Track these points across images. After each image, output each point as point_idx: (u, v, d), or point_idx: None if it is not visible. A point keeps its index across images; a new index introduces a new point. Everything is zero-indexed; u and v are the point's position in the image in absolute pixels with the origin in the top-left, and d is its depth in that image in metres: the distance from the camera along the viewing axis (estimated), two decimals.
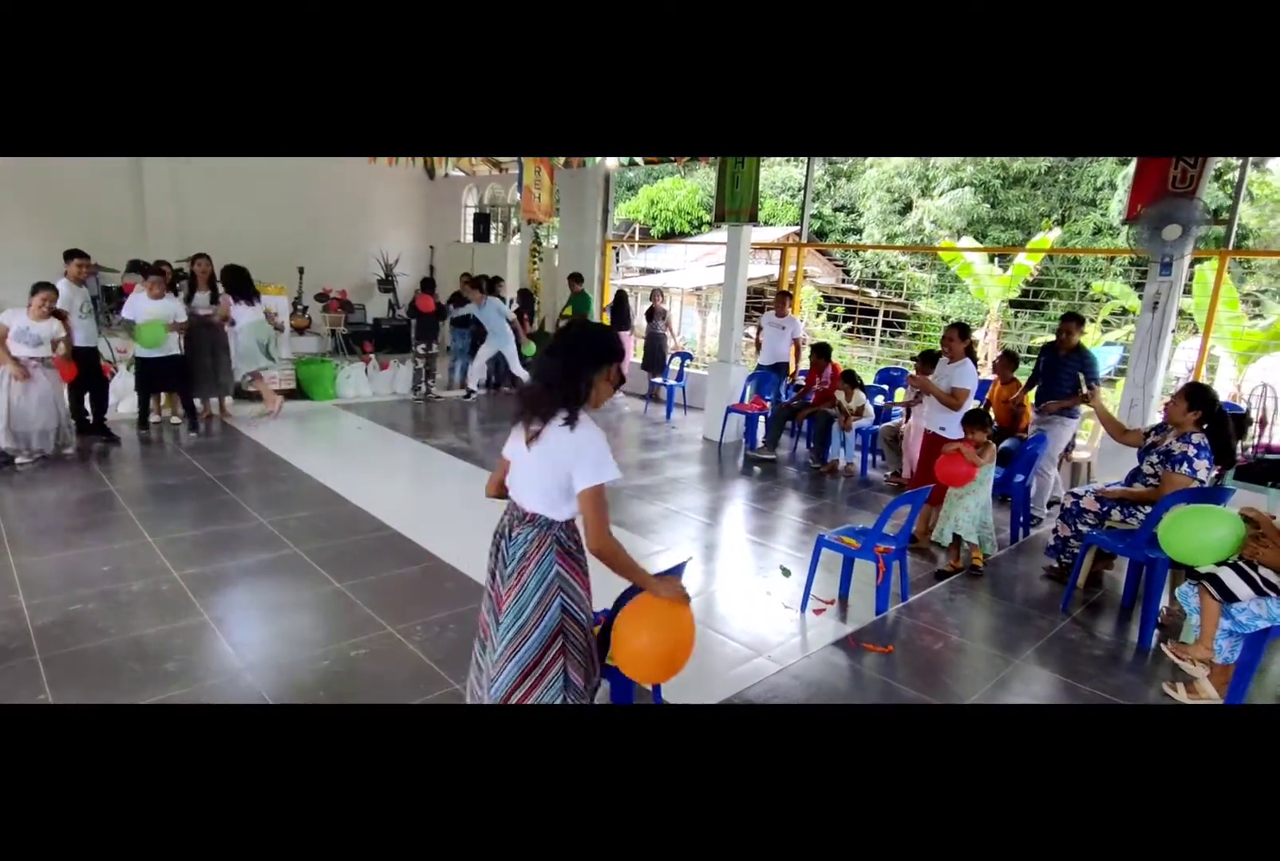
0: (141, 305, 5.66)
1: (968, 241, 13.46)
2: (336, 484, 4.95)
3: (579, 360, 1.84)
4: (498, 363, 8.58)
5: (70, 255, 5.47)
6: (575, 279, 8.70)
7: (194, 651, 2.86)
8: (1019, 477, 4.62)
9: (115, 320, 6.98)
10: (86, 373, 5.46)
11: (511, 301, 8.88)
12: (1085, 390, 4.11)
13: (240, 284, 6.36)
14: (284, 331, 7.44)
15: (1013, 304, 12.08)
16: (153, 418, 6.22)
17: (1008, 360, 5.36)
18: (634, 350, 9.03)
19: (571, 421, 1.82)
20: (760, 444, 6.47)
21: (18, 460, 4.94)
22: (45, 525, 4.06)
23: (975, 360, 4.26)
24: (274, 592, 3.42)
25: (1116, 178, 14.18)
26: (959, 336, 4.20)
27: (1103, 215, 14.86)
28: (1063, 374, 4.78)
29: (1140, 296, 5.61)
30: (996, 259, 12.15)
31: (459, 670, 2.82)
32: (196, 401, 6.27)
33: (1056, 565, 3.91)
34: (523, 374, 7.87)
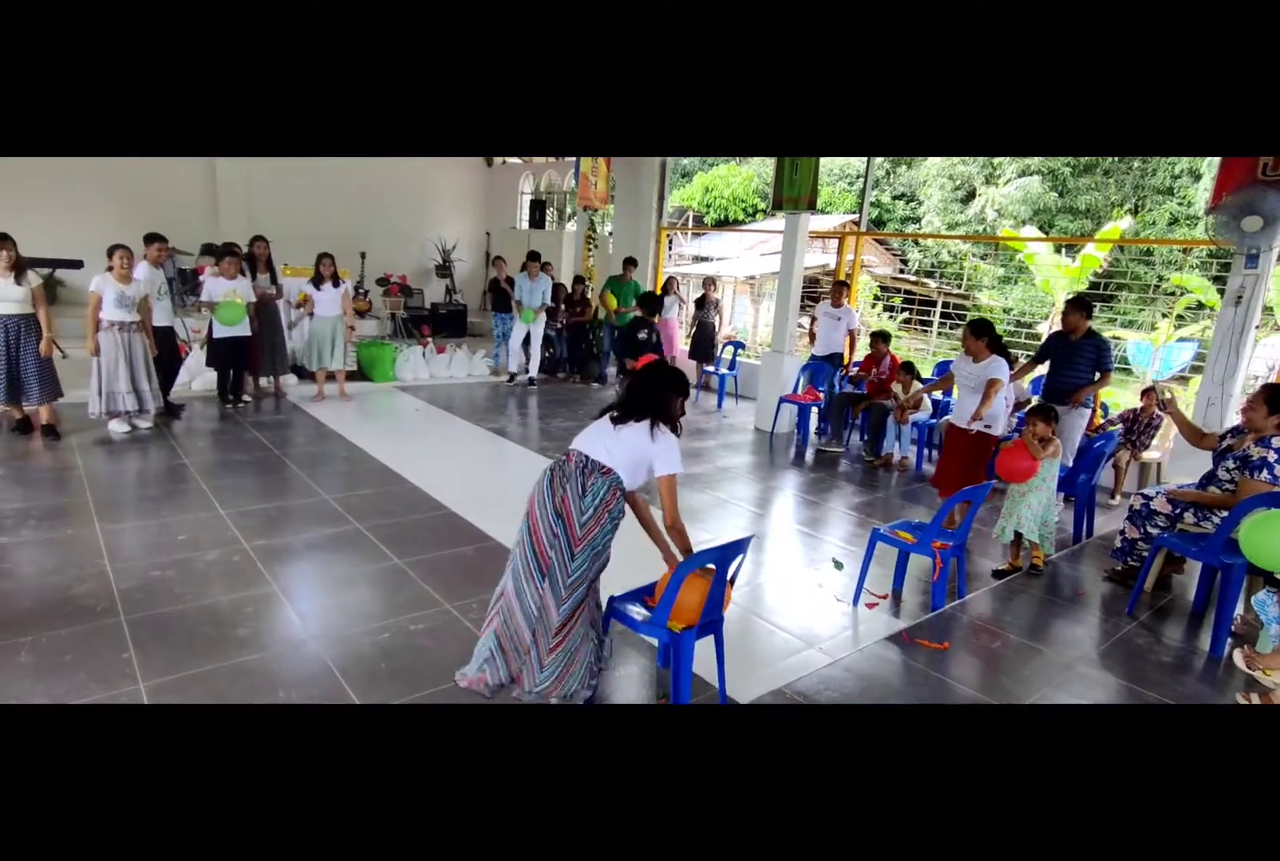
0: (216, 286, 5.89)
1: (1032, 231, 12.97)
2: (395, 463, 5.08)
3: (661, 387, 2.41)
4: (554, 347, 8.61)
5: (150, 239, 5.70)
6: (630, 263, 8.49)
7: (263, 619, 2.99)
8: (1083, 476, 4.48)
9: (190, 301, 7.27)
10: (161, 351, 5.72)
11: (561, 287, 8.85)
12: (1165, 396, 3.92)
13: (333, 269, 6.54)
14: (353, 329, 7.40)
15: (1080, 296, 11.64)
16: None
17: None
18: (681, 339, 8.99)
19: (654, 428, 2.34)
20: (826, 438, 6.40)
21: (110, 425, 5.25)
22: (127, 495, 4.28)
23: (1006, 354, 4.12)
24: (336, 566, 3.54)
25: (1200, 165, 13.48)
26: (973, 335, 4.06)
27: (1180, 204, 14.17)
28: (1078, 360, 4.60)
29: (1220, 290, 5.35)
30: (1064, 249, 11.72)
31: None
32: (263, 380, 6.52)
33: (1122, 567, 3.79)
34: (535, 357, 8.00)
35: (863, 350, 6.69)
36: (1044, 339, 4.86)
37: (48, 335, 5.02)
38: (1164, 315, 10.99)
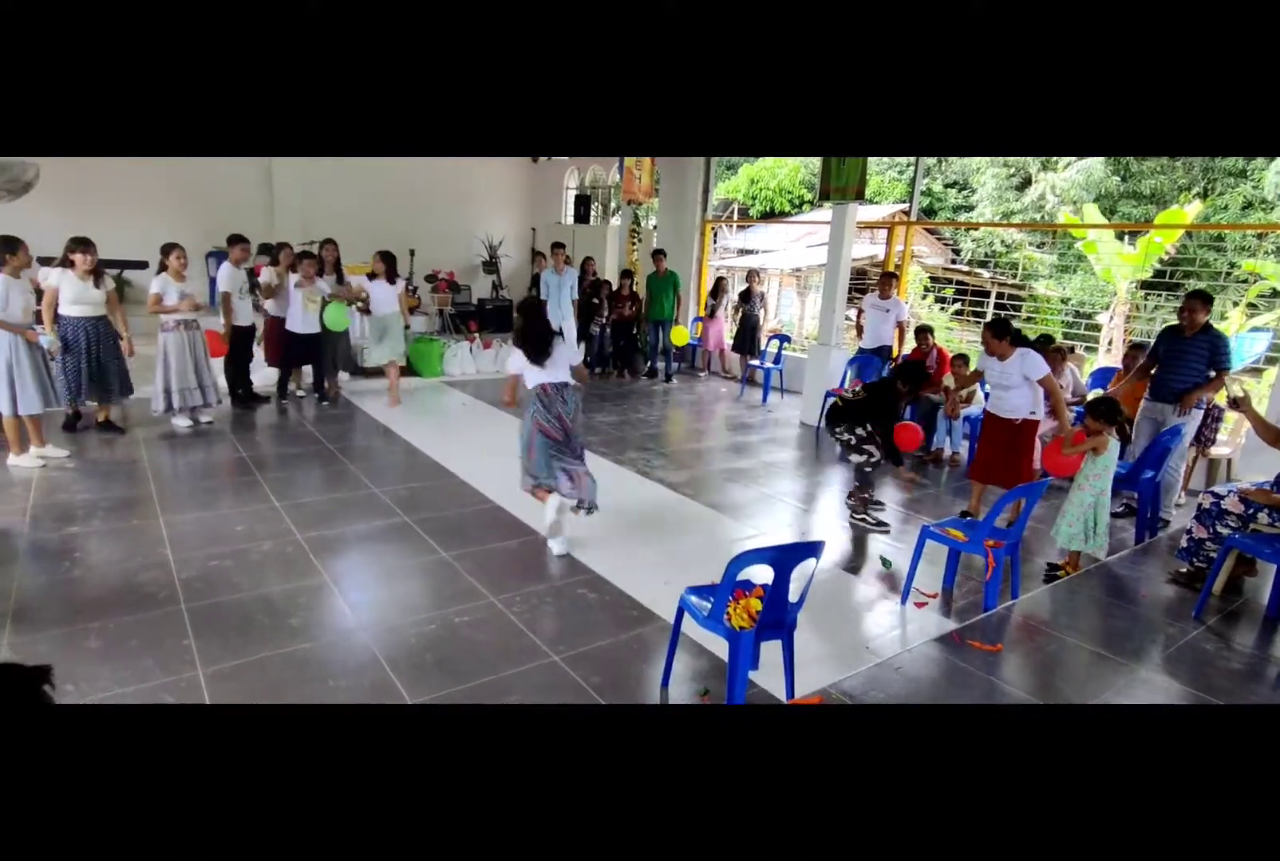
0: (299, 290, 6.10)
1: (1091, 215, 12.44)
2: (443, 457, 5.16)
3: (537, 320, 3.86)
4: (601, 343, 8.58)
5: (233, 241, 5.97)
6: (659, 255, 8.32)
7: (315, 609, 3.07)
8: (1148, 473, 4.29)
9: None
10: (245, 348, 6.05)
11: (603, 282, 8.80)
12: (1235, 393, 3.68)
13: (392, 267, 6.62)
14: (408, 328, 7.39)
15: (1144, 285, 11.15)
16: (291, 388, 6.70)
17: (1138, 352, 4.97)
18: (727, 332, 8.92)
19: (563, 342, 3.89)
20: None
21: (174, 420, 5.49)
22: (188, 488, 4.44)
23: (1029, 343, 4.06)
24: (385, 558, 3.61)
25: None
26: (994, 337, 4.02)
27: (1255, 188, 13.45)
28: (1190, 358, 4.34)
29: None
30: (1126, 236, 11.24)
31: (557, 641, 2.91)
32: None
33: (1188, 569, 3.62)
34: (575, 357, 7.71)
35: (911, 344, 6.54)
36: (1155, 336, 4.62)
37: (126, 335, 5.29)
38: (1235, 304, 10.46)
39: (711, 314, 8.63)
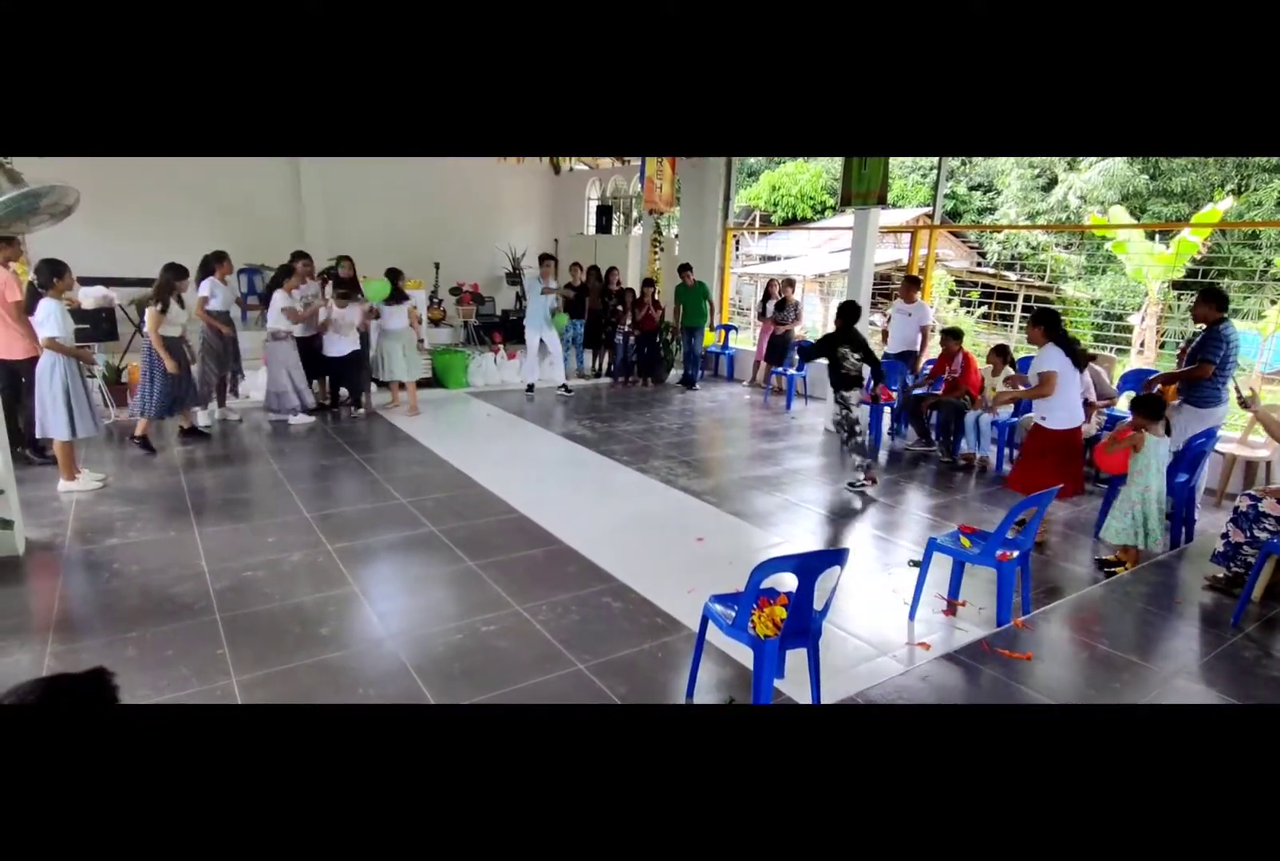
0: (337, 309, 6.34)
1: (1119, 214, 12.22)
2: (468, 468, 5.22)
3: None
4: (625, 352, 8.61)
5: (297, 256, 6.26)
6: (686, 269, 8.33)
7: (344, 619, 3.12)
8: (1182, 477, 4.20)
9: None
10: (314, 358, 6.39)
11: (627, 291, 8.79)
12: (1245, 394, 3.57)
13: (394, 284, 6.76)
14: (422, 341, 7.60)
15: (1176, 285, 10.92)
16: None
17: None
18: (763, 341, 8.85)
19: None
20: (913, 439, 6.24)
21: (290, 419, 6.22)
22: (220, 499, 4.54)
23: (1066, 344, 3.99)
24: (413, 568, 3.66)
25: None
26: (1031, 322, 4.09)
27: None
28: (1195, 354, 4.29)
29: None
30: (1157, 235, 11.03)
31: (582, 650, 2.92)
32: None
33: (1226, 574, 3.53)
34: (560, 372, 7.77)
35: (934, 349, 6.48)
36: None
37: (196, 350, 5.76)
38: (1272, 302, 10.20)
39: (763, 317, 8.54)
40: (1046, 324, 4.00)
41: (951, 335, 5.96)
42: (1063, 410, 4.00)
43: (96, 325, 6.18)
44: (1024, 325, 10.79)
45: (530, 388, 7.84)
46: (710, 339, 8.34)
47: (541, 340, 7.59)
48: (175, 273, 5.22)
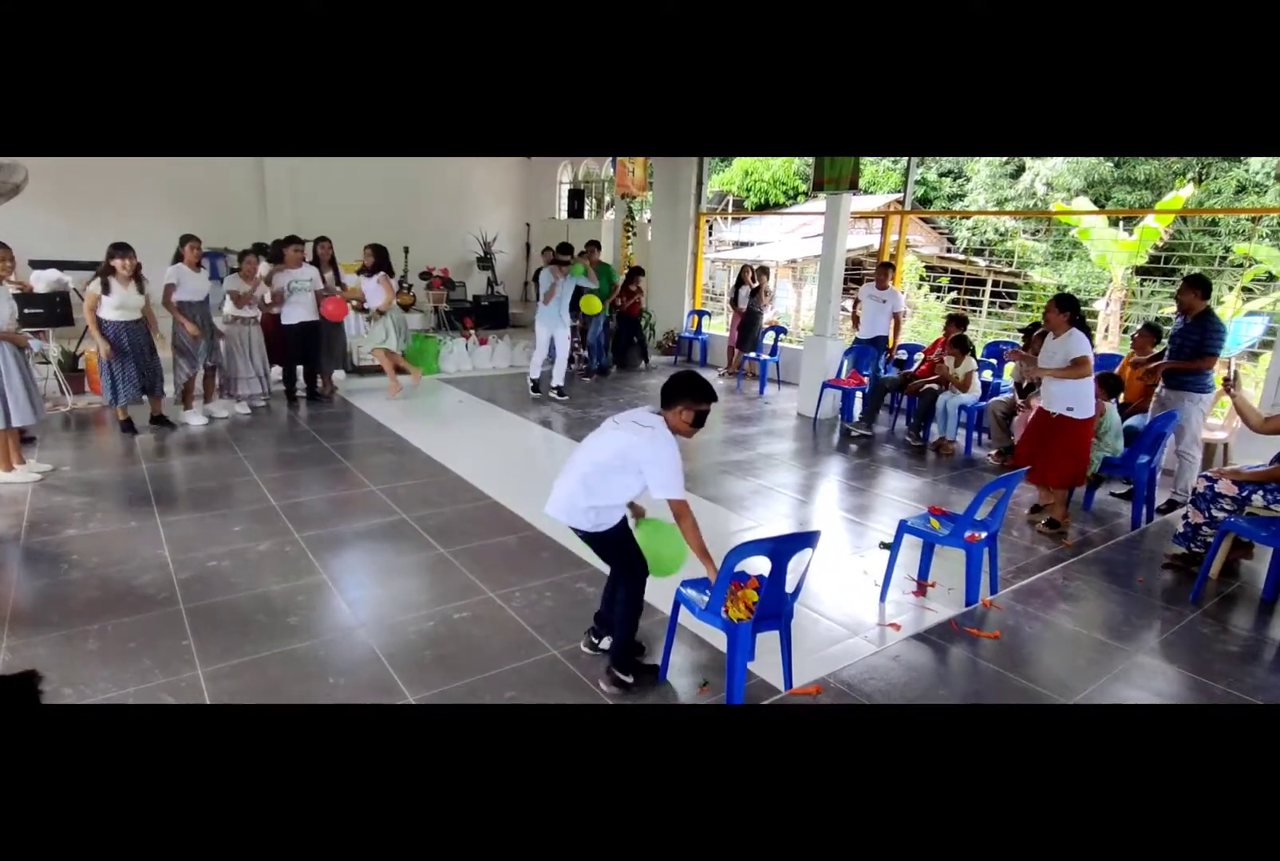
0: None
1: (1082, 203, 12.40)
2: (440, 454, 5.16)
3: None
4: (608, 339, 8.42)
5: (289, 241, 6.12)
6: (594, 246, 7.87)
7: (314, 608, 3.07)
8: (1143, 458, 4.30)
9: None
10: (305, 346, 6.28)
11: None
12: (1228, 375, 3.64)
13: (382, 260, 6.63)
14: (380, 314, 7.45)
15: (1139, 271, 11.13)
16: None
17: (1149, 333, 4.96)
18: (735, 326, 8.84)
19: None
20: (857, 417, 6.29)
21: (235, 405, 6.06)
22: (185, 488, 4.43)
23: (1086, 330, 3.99)
24: (384, 556, 3.61)
25: None
26: (1056, 308, 3.98)
27: (1248, 171, 13.42)
28: (1185, 344, 4.36)
29: None
30: (1121, 222, 11.21)
31: (556, 636, 2.91)
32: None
33: (1185, 553, 3.63)
34: (560, 373, 7.11)
35: (907, 334, 6.56)
36: (1154, 321, 4.66)
37: (158, 334, 5.45)
38: (1230, 288, 10.45)
39: (734, 304, 8.42)
40: (1073, 310, 3.96)
41: (955, 323, 6.06)
42: (1089, 398, 3.96)
43: (50, 310, 5.96)
44: (993, 310, 10.94)
45: (535, 386, 7.19)
46: (595, 304, 7.73)
47: (553, 338, 7.01)
48: (116, 249, 4.93)
